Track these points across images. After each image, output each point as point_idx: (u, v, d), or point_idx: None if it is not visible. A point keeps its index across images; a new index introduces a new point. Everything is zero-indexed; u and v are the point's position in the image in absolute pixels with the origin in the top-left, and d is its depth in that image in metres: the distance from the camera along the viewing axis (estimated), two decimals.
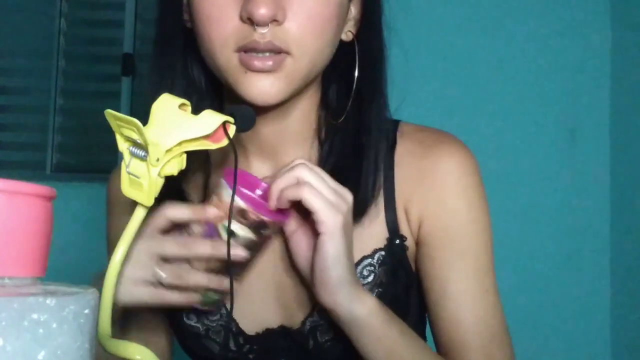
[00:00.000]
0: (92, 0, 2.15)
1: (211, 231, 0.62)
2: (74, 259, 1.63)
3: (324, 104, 0.72)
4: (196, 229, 0.63)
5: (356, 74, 0.69)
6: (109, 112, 0.53)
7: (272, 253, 0.71)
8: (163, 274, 0.60)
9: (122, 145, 0.54)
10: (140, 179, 0.52)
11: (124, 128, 0.53)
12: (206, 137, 0.54)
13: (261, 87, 0.61)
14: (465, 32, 1.93)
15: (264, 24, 0.59)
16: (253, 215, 0.61)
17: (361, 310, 0.61)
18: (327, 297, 0.61)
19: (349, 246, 0.61)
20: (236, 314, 0.70)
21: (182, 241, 0.61)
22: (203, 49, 0.64)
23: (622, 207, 1.86)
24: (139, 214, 0.53)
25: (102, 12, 2.14)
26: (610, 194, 1.90)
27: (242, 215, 0.61)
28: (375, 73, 0.70)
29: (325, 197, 0.59)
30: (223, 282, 0.62)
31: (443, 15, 1.94)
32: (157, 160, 0.51)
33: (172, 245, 0.61)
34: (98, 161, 2.05)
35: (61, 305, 0.28)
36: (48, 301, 0.28)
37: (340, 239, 0.60)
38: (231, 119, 0.56)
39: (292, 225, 0.65)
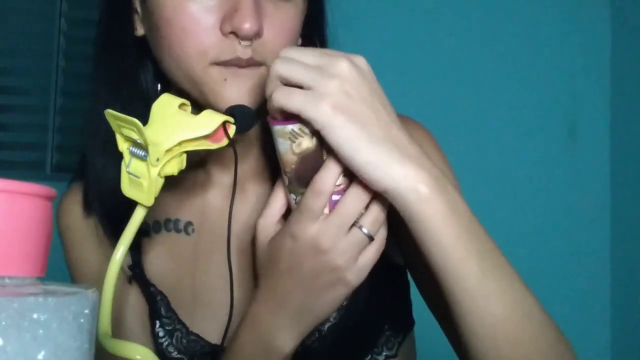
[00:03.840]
0: (92, 0, 2.14)
1: None
2: None
3: None
4: None
5: None
6: (109, 112, 0.53)
7: (242, 261, 0.69)
8: None
9: (122, 145, 0.54)
10: (140, 179, 0.53)
11: (124, 128, 0.53)
12: (206, 137, 0.54)
13: (239, 93, 0.60)
14: (465, 31, 1.93)
15: (250, 39, 0.58)
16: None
17: (418, 182, 0.51)
18: (375, 184, 0.52)
19: (363, 120, 0.51)
20: (216, 337, 0.68)
21: None
22: (172, 60, 0.61)
23: (622, 207, 1.86)
24: (139, 213, 0.53)
25: None
26: (610, 194, 1.90)
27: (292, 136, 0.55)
28: None
29: (307, 84, 0.51)
30: None
31: (442, 14, 1.94)
32: (157, 160, 0.51)
33: None
34: None
35: (61, 305, 0.28)
36: (48, 301, 0.28)
37: (340, 125, 0.50)
38: (231, 119, 0.56)
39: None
